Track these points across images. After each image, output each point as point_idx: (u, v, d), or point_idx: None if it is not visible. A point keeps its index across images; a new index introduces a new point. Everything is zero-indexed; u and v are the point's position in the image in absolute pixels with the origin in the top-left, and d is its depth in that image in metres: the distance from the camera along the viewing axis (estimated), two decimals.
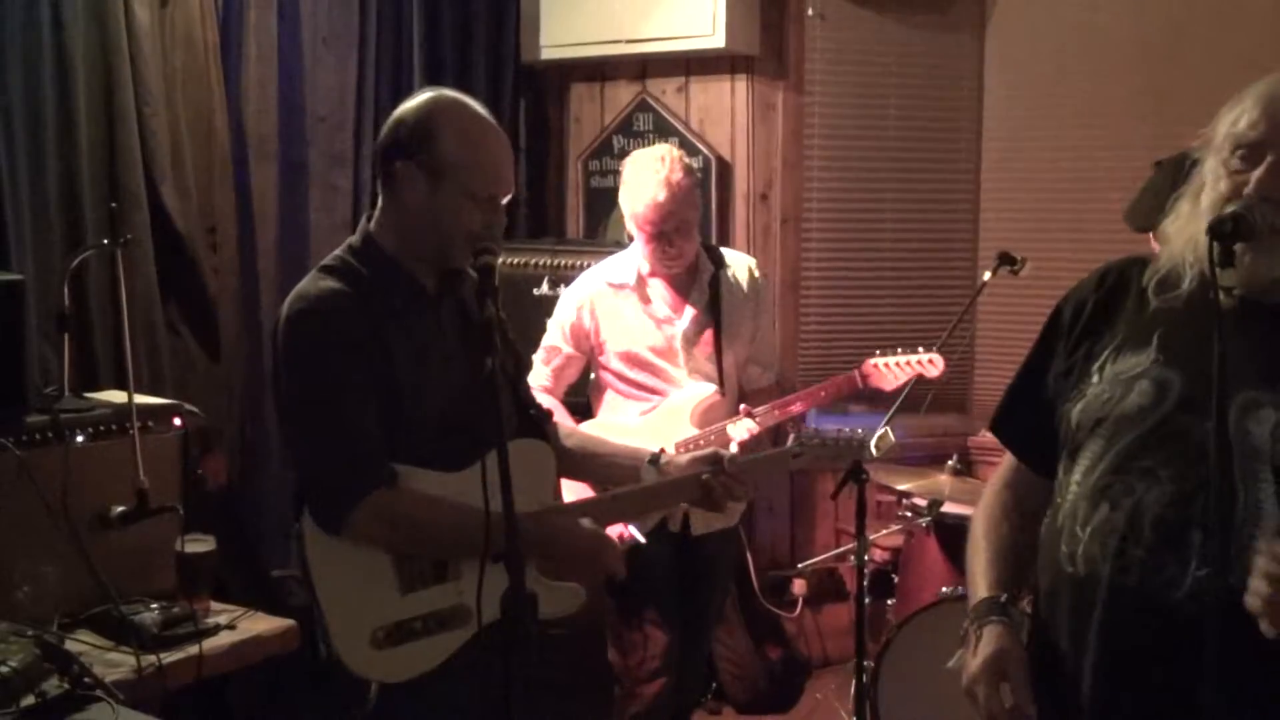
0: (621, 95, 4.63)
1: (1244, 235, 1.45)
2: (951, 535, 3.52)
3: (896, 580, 3.88)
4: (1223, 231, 1.45)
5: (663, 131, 4.46)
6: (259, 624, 2.56)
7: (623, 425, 3.14)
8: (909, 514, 3.71)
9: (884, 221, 4.58)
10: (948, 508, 3.53)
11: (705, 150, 4.41)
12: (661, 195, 2.94)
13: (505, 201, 2.07)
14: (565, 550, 2.12)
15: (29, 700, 1.96)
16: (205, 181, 3.49)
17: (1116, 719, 1.55)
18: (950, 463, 3.75)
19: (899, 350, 3.22)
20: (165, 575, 2.57)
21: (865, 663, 3.24)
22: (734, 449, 3.06)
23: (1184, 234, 1.61)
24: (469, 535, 1.83)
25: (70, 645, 2.24)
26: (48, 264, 3.02)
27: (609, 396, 3.22)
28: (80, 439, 2.52)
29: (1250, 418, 1.48)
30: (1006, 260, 3.39)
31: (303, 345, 1.99)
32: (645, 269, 3.13)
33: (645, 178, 2.99)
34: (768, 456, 2.61)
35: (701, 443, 3.06)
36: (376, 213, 2.09)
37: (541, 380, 3.22)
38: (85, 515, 2.49)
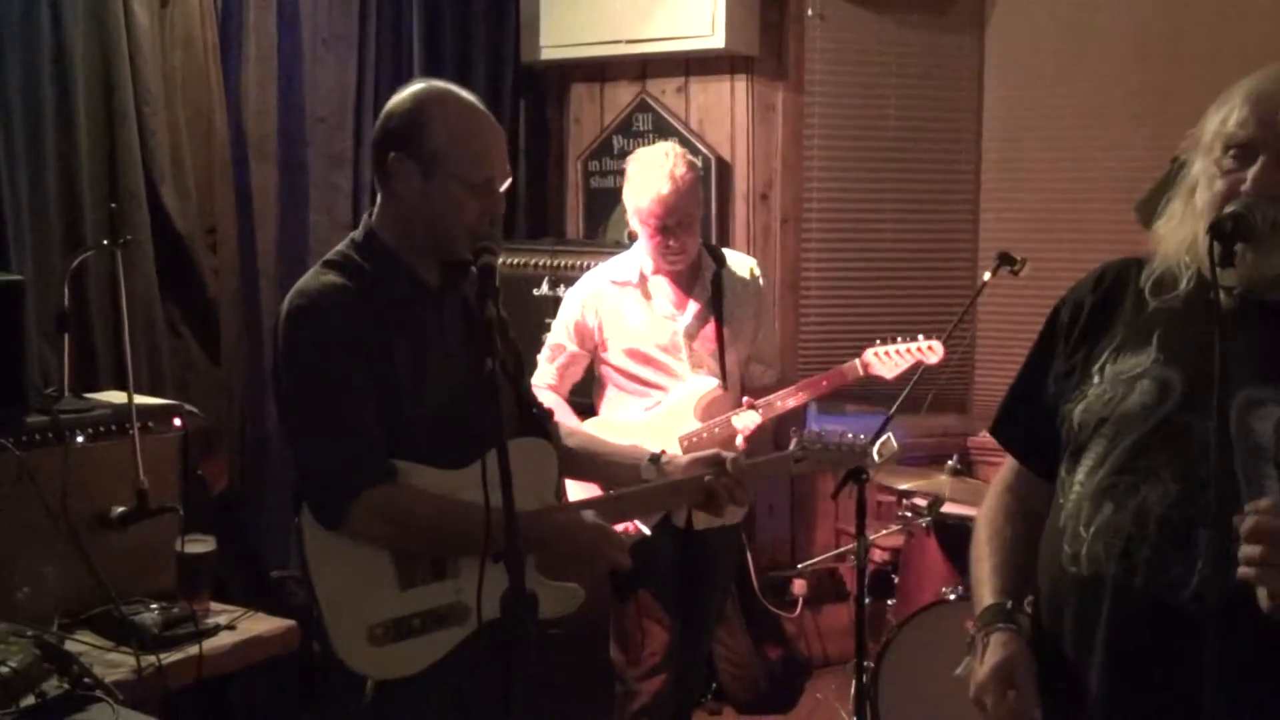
0: (621, 95, 4.63)
1: (1244, 235, 1.45)
2: (951, 535, 3.52)
3: (896, 580, 3.88)
4: (1223, 231, 1.45)
5: (662, 132, 4.46)
6: (259, 624, 2.56)
7: (626, 421, 3.16)
8: (909, 514, 3.71)
9: (884, 221, 4.58)
10: (948, 508, 3.53)
11: (705, 150, 4.41)
12: (665, 189, 2.98)
13: (503, 189, 2.06)
14: (566, 547, 2.12)
15: (29, 700, 1.95)
16: (205, 182, 3.49)
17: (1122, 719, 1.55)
18: (950, 463, 3.76)
19: (898, 339, 3.23)
20: (165, 576, 2.56)
21: (865, 663, 3.24)
22: (740, 441, 3.10)
23: (1178, 234, 1.61)
24: (468, 533, 1.83)
25: (70, 645, 2.24)
26: (48, 264, 3.02)
27: (612, 393, 3.24)
28: (80, 439, 2.52)
29: (1252, 415, 1.48)
30: (1006, 260, 3.39)
31: (303, 340, 1.99)
32: (648, 267, 3.16)
33: (650, 173, 3.02)
34: (769, 460, 2.62)
35: (705, 435, 3.09)
36: (376, 208, 2.09)
37: (547, 379, 3.25)
38: (85, 515, 2.48)
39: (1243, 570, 1.33)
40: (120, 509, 2.53)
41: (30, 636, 2.10)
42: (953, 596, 3.33)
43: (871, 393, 4.37)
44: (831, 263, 4.56)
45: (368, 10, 4.02)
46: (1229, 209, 1.47)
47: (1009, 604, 1.65)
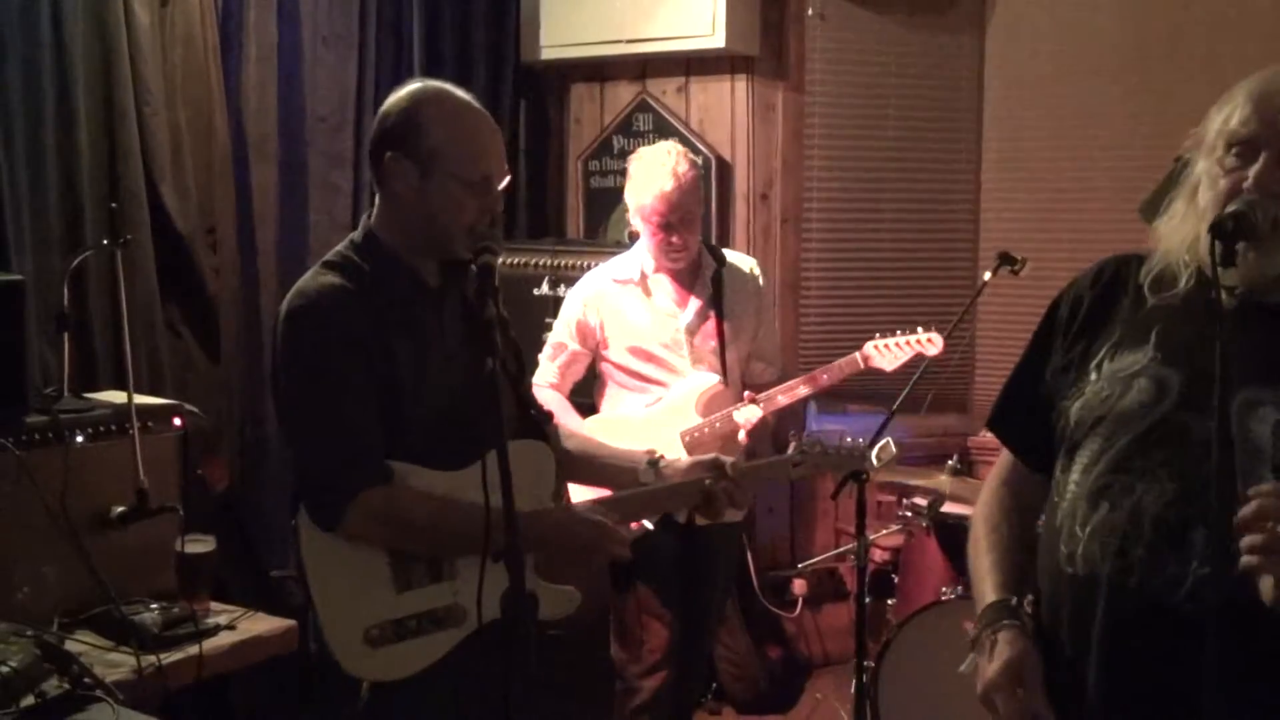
0: (621, 95, 4.63)
1: (1245, 234, 1.45)
2: (951, 535, 3.52)
3: (896, 580, 3.88)
4: (1224, 230, 1.44)
5: (663, 132, 4.46)
6: (259, 624, 2.56)
7: (627, 418, 3.18)
8: (909, 514, 3.71)
9: (884, 221, 4.58)
10: (948, 508, 3.52)
11: (705, 150, 4.41)
12: (669, 186, 3.01)
13: (502, 187, 2.06)
14: (564, 543, 2.11)
15: (29, 700, 1.95)
16: (205, 181, 3.49)
17: (1119, 719, 1.54)
18: (950, 463, 3.75)
19: (897, 332, 3.24)
20: (165, 575, 2.56)
21: (865, 663, 3.24)
22: (741, 435, 3.12)
23: (1179, 233, 1.61)
24: (466, 533, 1.82)
25: (70, 645, 2.24)
26: (47, 264, 3.02)
27: (613, 391, 3.25)
28: (80, 439, 2.52)
29: (1251, 416, 1.47)
30: (1006, 260, 3.39)
31: (301, 341, 1.98)
32: (649, 266, 3.18)
33: (652, 170, 3.06)
34: (768, 464, 2.63)
35: (706, 430, 3.11)
36: (375, 209, 2.09)
37: (549, 377, 3.27)
38: (85, 515, 2.48)
39: (1245, 560, 1.31)
40: (120, 509, 2.53)
41: (30, 636, 2.10)
42: (953, 596, 3.33)
43: (872, 393, 4.38)
44: (831, 262, 4.56)
45: (368, 10, 4.01)
46: (1230, 208, 1.47)
47: (1014, 601, 1.65)
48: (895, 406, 3.26)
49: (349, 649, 1.95)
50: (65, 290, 2.68)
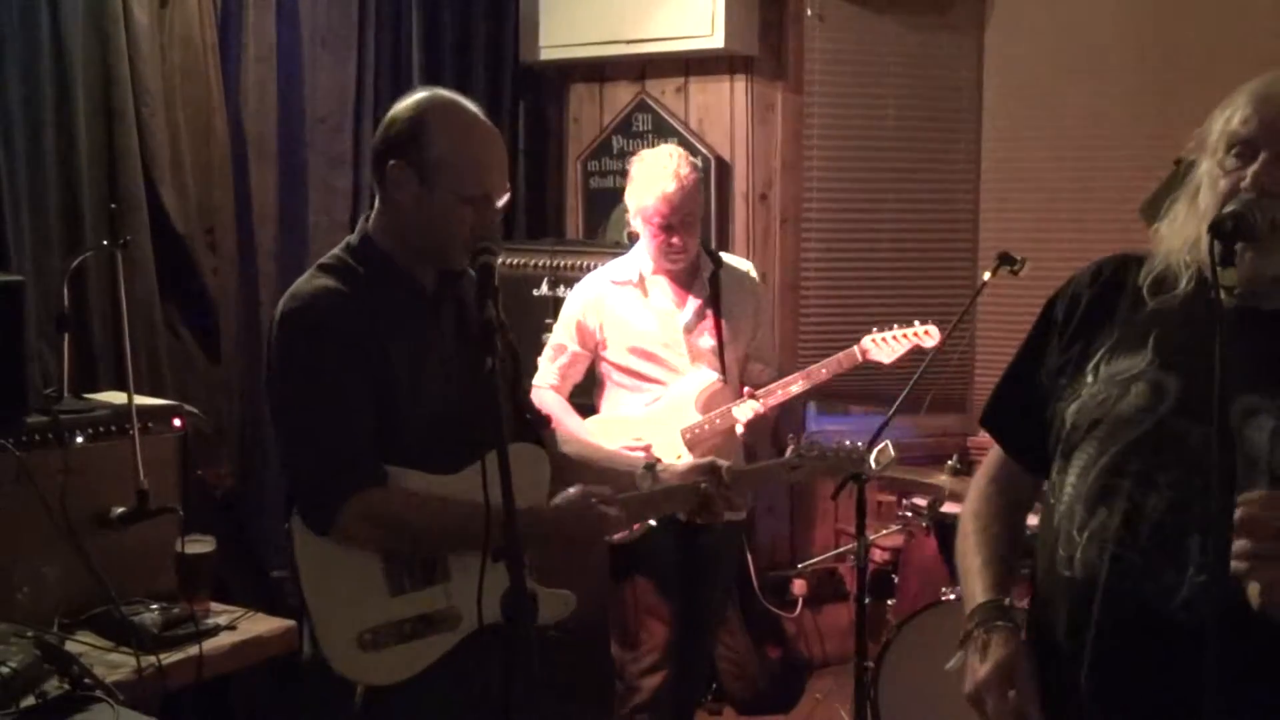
0: (621, 96, 4.63)
1: (1245, 234, 1.44)
2: (951, 535, 3.46)
3: (896, 580, 3.88)
4: (1224, 231, 1.44)
5: (662, 132, 4.46)
6: (259, 625, 2.57)
7: (628, 417, 3.20)
8: (909, 514, 3.71)
9: (884, 222, 4.58)
10: (948, 508, 3.52)
11: (704, 151, 4.41)
12: (671, 187, 3.04)
13: (501, 204, 2.06)
14: (562, 533, 2.10)
15: (29, 701, 1.96)
16: (204, 182, 3.49)
17: None
18: (950, 463, 3.75)
19: (895, 326, 3.26)
20: (165, 576, 2.57)
21: (865, 663, 3.24)
22: (740, 430, 3.14)
23: (1180, 234, 1.60)
24: (463, 531, 1.83)
25: (70, 646, 2.25)
26: (47, 265, 3.02)
27: (613, 391, 3.27)
28: (80, 440, 2.52)
29: (1248, 423, 1.47)
30: (1006, 260, 3.39)
31: (294, 344, 1.98)
32: (648, 268, 3.21)
33: (655, 172, 3.09)
34: (765, 467, 2.62)
35: (706, 427, 3.13)
36: (374, 213, 2.09)
37: (549, 379, 3.29)
38: (85, 516, 2.49)
39: (1235, 565, 1.32)
40: (120, 509, 2.53)
41: (30, 637, 2.10)
42: (952, 596, 3.33)
43: (872, 394, 4.39)
44: (831, 263, 4.56)
45: (367, 11, 4.02)
46: (1229, 208, 1.46)
47: (1006, 600, 1.65)
48: (894, 409, 3.26)
49: (342, 653, 1.95)
50: (65, 291, 2.68)
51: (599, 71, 4.65)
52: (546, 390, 3.27)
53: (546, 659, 2.20)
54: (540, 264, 4.10)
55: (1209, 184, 1.56)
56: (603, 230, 4.63)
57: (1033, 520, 1.77)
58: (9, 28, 2.97)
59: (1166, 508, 1.48)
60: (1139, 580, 1.48)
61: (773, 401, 3.17)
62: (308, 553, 1.97)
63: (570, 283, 3.52)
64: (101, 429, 2.57)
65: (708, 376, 3.17)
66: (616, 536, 2.83)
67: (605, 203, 4.59)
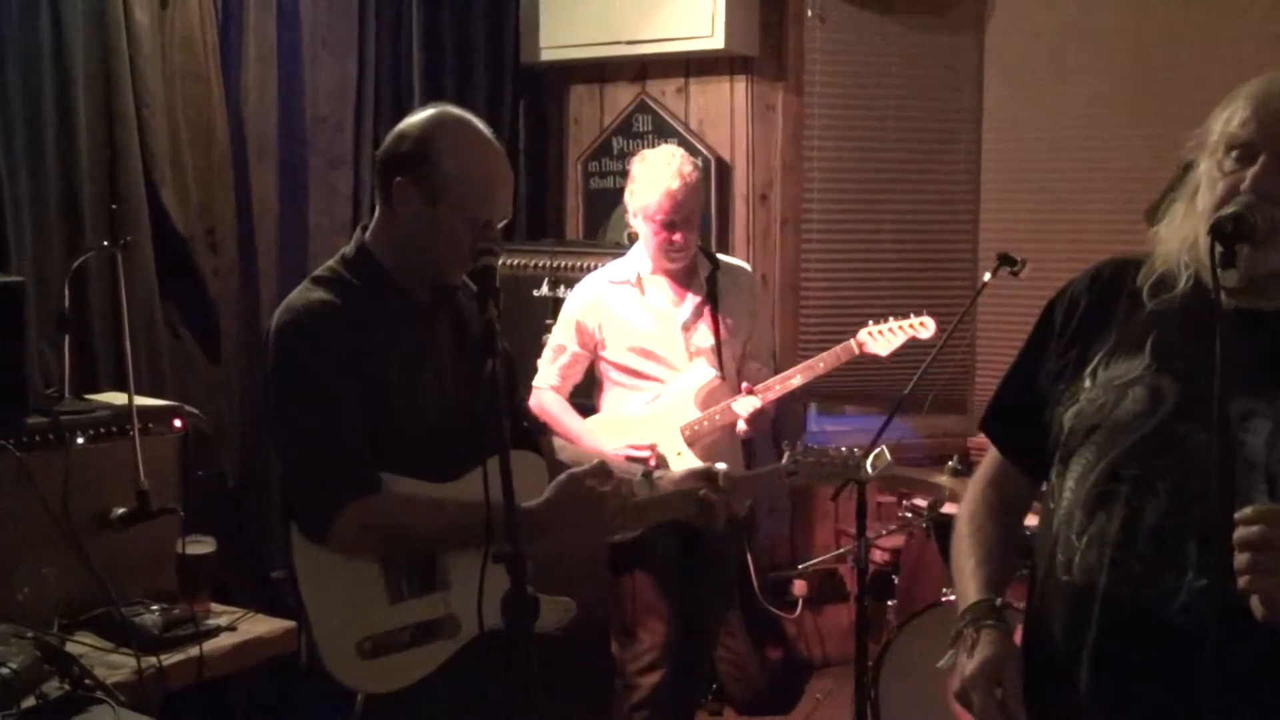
0: (621, 96, 4.63)
1: (1244, 235, 1.44)
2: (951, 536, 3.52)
3: (897, 581, 3.88)
4: (1223, 232, 1.44)
5: (662, 132, 4.46)
6: (259, 626, 2.57)
7: (628, 417, 3.22)
8: (909, 515, 3.72)
9: (884, 222, 4.58)
10: (948, 509, 3.52)
11: (705, 151, 4.41)
12: (675, 184, 3.08)
13: (500, 227, 2.06)
14: (560, 518, 2.06)
15: (29, 702, 1.96)
16: (205, 183, 3.49)
17: None
18: (950, 463, 3.75)
19: (890, 318, 3.28)
20: (166, 577, 2.57)
21: (865, 663, 3.24)
22: (741, 425, 3.16)
23: (1179, 234, 1.60)
24: (463, 527, 1.84)
25: (71, 647, 2.25)
26: (48, 266, 3.02)
27: (613, 391, 3.28)
28: (80, 440, 2.52)
29: (1245, 426, 1.47)
30: (1006, 261, 3.39)
31: (289, 356, 1.98)
32: (646, 268, 3.23)
33: (658, 170, 3.12)
34: (762, 473, 2.63)
35: (706, 423, 3.15)
36: (373, 223, 2.09)
37: (550, 380, 3.30)
38: (85, 516, 2.49)
39: (1239, 581, 1.33)
40: (121, 510, 2.54)
41: (31, 638, 2.10)
42: (953, 597, 3.32)
43: (872, 395, 4.39)
44: (831, 263, 4.56)
45: (367, 11, 4.01)
46: (1228, 209, 1.46)
47: (998, 601, 1.65)
48: (893, 410, 3.26)
49: (342, 661, 1.94)
50: (65, 292, 2.69)
51: (599, 72, 4.65)
52: (547, 391, 3.29)
53: (546, 660, 2.20)
54: (540, 265, 4.10)
55: (1208, 185, 1.55)
56: (603, 231, 4.63)
57: (1032, 521, 1.77)
58: (9, 28, 2.98)
59: (1165, 512, 1.48)
60: (1138, 585, 1.48)
61: (772, 396, 3.19)
62: (306, 561, 1.96)
63: (570, 283, 3.53)
64: (102, 430, 2.57)
65: (706, 373, 3.19)
66: (617, 537, 2.82)
67: (605, 203, 4.59)
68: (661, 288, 3.24)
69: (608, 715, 3.28)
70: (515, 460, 2.03)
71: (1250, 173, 1.48)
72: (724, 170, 4.48)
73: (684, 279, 3.24)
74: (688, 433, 3.16)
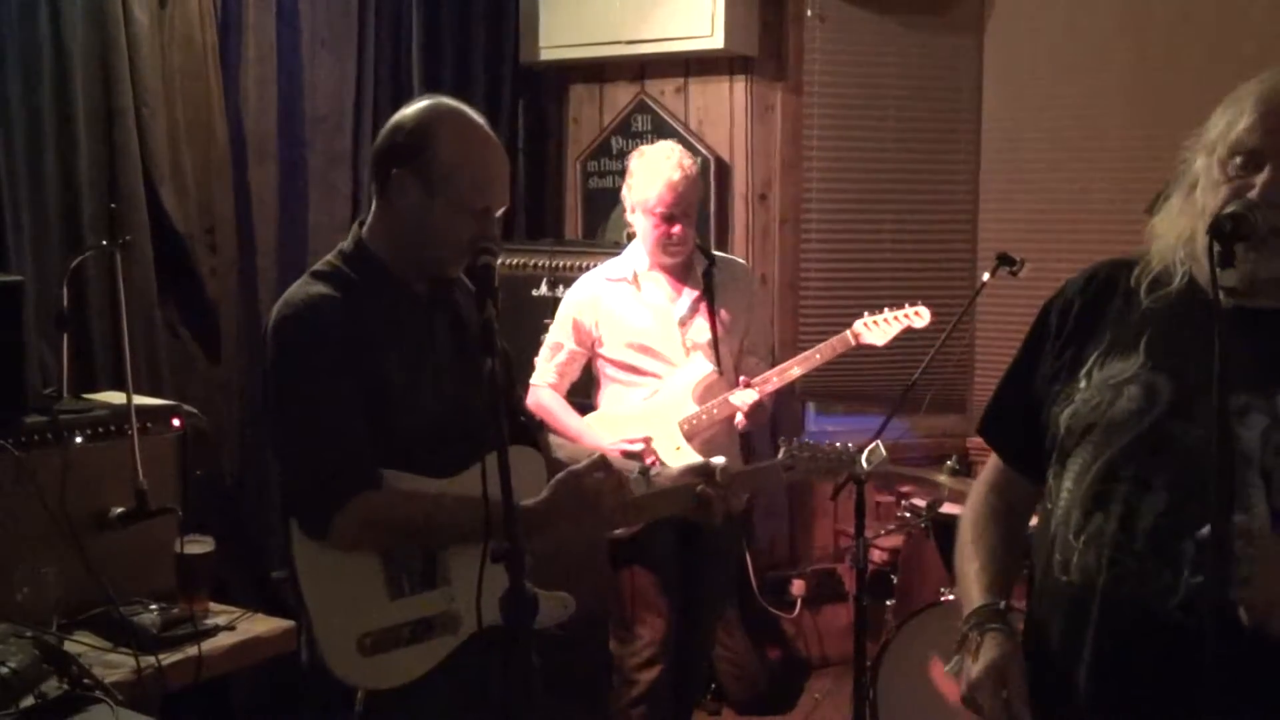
0: (620, 96, 4.63)
1: (1244, 235, 1.44)
2: (950, 536, 3.48)
3: (895, 581, 3.88)
4: (1223, 231, 1.44)
5: (661, 132, 4.46)
6: (258, 625, 2.56)
7: (627, 413, 3.23)
8: (908, 515, 3.72)
9: (883, 222, 4.58)
10: (946, 508, 3.53)
11: (704, 151, 4.41)
12: (676, 176, 3.11)
13: (500, 213, 2.06)
14: (559, 513, 2.06)
15: (28, 701, 1.95)
16: (204, 182, 3.49)
17: None
18: (949, 463, 3.75)
19: (886, 308, 3.29)
20: (165, 576, 2.56)
21: (864, 663, 3.24)
22: (740, 419, 3.18)
23: (1175, 228, 1.60)
24: (463, 519, 1.84)
25: (70, 646, 2.24)
26: (46, 265, 3.02)
27: (611, 388, 3.29)
28: (79, 440, 2.52)
29: (1240, 422, 1.47)
30: (1005, 261, 3.40)
31: (287, 351, 1.98)
32: (643, 265, 3.24)
33: (658, 164, 3.14)
34: (759, 469, 2.64)
35: (704, 417, 3.16)
36: (370, 217, 2.09)
37: (548, 377, 3.31)
38: (84, 516, 2.48)
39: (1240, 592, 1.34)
40: (119, 509, 2.53)
41: (30, 637, 2.10)
42: (951, 597, 3.34)
43: (871, 394, 4.39)
44: (831, 263, 4.56)
45: (366, 11, 4.01)
46: (1228, 209, 1.46)
47: (1002, 604, 1.65)
48: (892, 410, 3.26)
49: (342, 658, 1.94)
50: (64, 291, 2.68)
51: (598, 72, 4.65)
52: (544, 388, 3.29)
53: (545, 657, 2.20)
54: (539, 264, 4.11)
55: (1206, 182, 1.55)
56: (602, 230, 4.63)
57: (1032, 521, 1.78)
58: (9, 27, 2.97)
59: (1162, 510, 1.48)
60: (1136, 584, 1.48)
61: (769, 388, 3.20)
62: (306, 557, 1.96)
63: (569, 283, 3.53)
64: (100, 429, 2.57)
65: (704, 367, 3.19)
66: (616, 533, 2.83)
67: (604, 203, 4.59)
68: (658, 283, 3.25)
69: (606, 711, 3.28)
70: (513, 456, 2.04)
71: (1260, 180, 1.47)
72: (723, 170, 4.48)
73: (681, 274, 3.24)
74: (686, 427, 3.16)
